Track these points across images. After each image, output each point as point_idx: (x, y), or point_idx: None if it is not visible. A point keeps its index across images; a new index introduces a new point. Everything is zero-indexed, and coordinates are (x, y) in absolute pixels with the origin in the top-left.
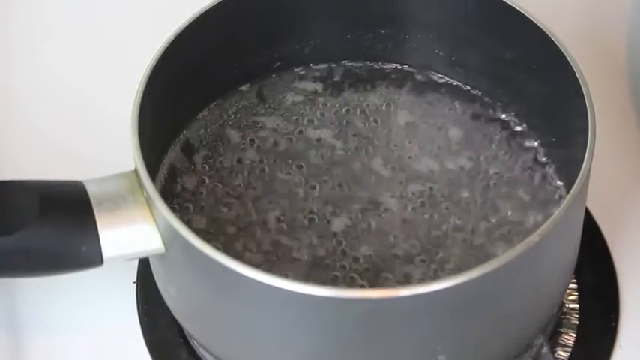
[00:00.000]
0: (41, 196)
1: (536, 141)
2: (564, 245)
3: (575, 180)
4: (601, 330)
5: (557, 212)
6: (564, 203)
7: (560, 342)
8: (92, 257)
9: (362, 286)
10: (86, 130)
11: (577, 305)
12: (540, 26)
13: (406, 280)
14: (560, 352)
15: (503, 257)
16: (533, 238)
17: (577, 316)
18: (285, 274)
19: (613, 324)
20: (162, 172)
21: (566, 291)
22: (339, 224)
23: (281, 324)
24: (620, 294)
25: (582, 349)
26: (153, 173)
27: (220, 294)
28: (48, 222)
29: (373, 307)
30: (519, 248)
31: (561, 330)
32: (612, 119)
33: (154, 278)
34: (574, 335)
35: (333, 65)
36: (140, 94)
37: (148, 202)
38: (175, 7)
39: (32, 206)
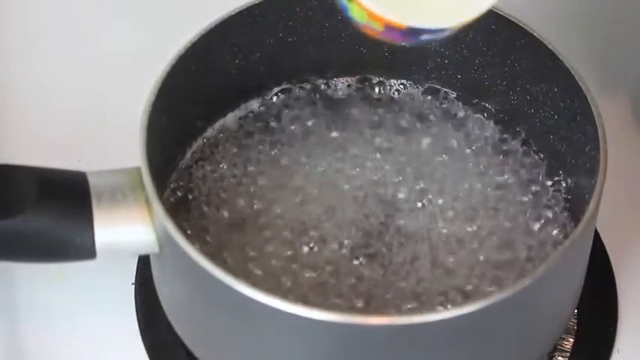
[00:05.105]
0: (40, 182)
1: (544, 166)
2: (561, 288)
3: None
4: (599, 335)
5: (552, 256)
6: (562, 248)
7: (559, 347)
8: (85, 249)
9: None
10: (105, 122)
11: (576, 310)
12: (560, 58)
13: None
14: (559, 358)
15: (491, 298)
16: (523, 281)
17: (575, 320)
18: (289, 290)
19: (611, 329)
20: (175, 176)
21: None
22: (339, 238)
23: (265, 342)
24: (619, 299)
25: (581, 354)
26: (164, 175)
27: (206, 300)
28: (44, 209)
29: (357, 334)
30: (507, 291)
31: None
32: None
33: (152, 280)
34: (572, 340)
35: (340, 81)
36: (155, 92)
37: (148, 200)
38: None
39: (30, 192)
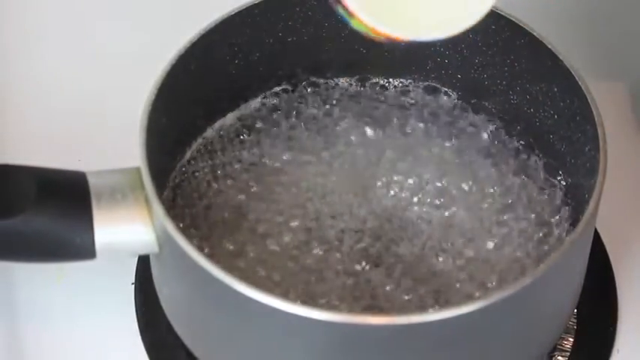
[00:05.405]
0: (40, 182)
1: (544, 166)
2: (561, 287)
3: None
4: (599, 335)
5: (552, 256)
6: (562, 248)
7: (559, 346)
8: (85, 249)
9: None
10: (105, 122)
11: (576, 310)
12: (561, 57)
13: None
14: (559, 358)
15: (491, 298)
16: (525, 280)
17: (575, 320)
18: (289, 290)
19: (611, 329)
20: (175, 175)
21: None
22: (340, 237)
23: (265, 342)
24: (619, 299)
25: (581, 354)
26: (164, 175)
27: (206, 300)
28: (44, 209)
29: (357, 334)
30: (507, 291)
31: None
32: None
33: (152, 280)
34: (572, 340)
35: (340, 81)
36: (154, 91)
37: (147, 200)
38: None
39: (30, 192)
